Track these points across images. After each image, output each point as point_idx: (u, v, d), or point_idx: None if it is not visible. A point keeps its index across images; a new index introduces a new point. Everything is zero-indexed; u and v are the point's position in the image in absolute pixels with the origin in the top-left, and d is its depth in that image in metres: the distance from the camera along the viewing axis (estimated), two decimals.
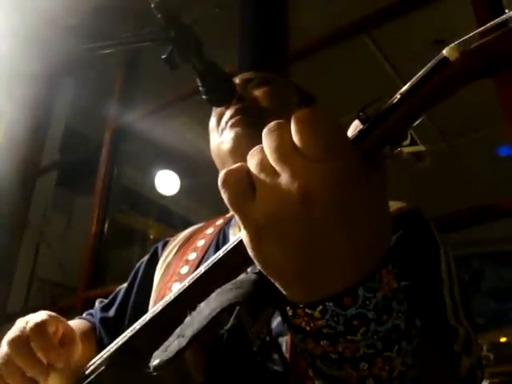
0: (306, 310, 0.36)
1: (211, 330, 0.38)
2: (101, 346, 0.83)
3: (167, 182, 4.36)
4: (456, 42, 0.33)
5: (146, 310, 0.80)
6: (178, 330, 0.39)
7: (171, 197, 4.47)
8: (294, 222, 0.33)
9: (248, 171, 0.36)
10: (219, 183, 0.36)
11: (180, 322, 0.41)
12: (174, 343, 0.38)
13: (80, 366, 0.59)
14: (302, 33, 2.24)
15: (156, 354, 0.39)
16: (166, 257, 0.87)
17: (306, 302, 0.36)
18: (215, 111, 0.89)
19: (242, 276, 0.42)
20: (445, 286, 0.61)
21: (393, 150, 0.36)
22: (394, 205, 0.72)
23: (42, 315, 0.65)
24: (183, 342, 0.38)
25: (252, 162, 0.36)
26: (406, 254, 0.63)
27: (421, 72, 0.34)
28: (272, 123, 0.36)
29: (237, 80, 0.89)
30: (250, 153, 0.37)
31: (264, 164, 0.35)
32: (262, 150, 0.36)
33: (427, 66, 0.34)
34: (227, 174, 0.36)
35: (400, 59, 3.03)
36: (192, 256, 0.81)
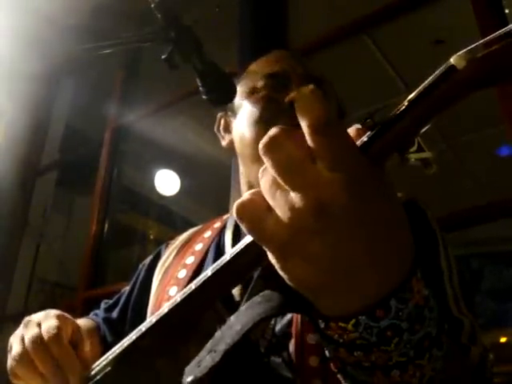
0: (339, 324, 0.35)
1: (243, 344, 0.38)
2: (104, 345, 0.84)
3: (167, 182, 4.36)
4: (464, 51, 0.33)
5: (144, 314, 0.80)
6: (208, 345, 0.39)
7: (171, 197, 4.47)
8: (313, 238, 0.32)
9: (262, 195, 0.35)
10: (235, 215, 0.35)
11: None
12: (206, 358, 0.38)
13: (88, 363, 0.60)
14: (302, 33, 2.23)
15: (188, 369, 0.39)
16: (165, 260, 0.87)
17: (338, 316, 0.35)
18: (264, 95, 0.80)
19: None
20: (445, 276, 0.62)
21: (400, 156, 0.36)
22: None
23: (53, 319, 0.65)
24: (216, 357, 0.37)
25: (265, 181, 0.35)
26: None
27: (428, 79, 0.34)
28: (275, 134, 0.34)
29: (284, 65, 0.82)
30: (262, 169, 0.35)
31: (277, 181, 0.34)
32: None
33: (434, 74, 0.34)
34: (240, 207, 0.35)
35: (400, 59, 3.03)
36: (190, 260, 0.81)
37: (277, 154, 0.33)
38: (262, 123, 0.78)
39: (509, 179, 2.36)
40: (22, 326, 0.67)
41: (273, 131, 0.34)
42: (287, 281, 0.35)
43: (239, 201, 0.35)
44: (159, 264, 0.88)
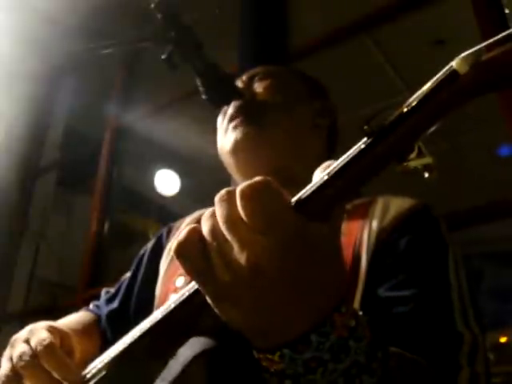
0: (267, 356, 0.39)
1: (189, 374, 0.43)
2: (105, 339, 0.84)
3: (167, 182, 4.36)
4: (465, 53, 0.31)
5: (151, 302, 0.80)
6: (163, 374, 0.44)
7: (171, 197, 4.47)
8: (246, 291, 0.37)
9: (200, 238, 0.39)
10: (175, 254, 0.39)
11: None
12: None
13: (80, 364, 0.60)
14: (302, 33, 2.23)
15: None
16: (171, 248, 0.86)
17: (264, 349, 0.40)
18: (223, 109, 0.88)
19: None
20: (453, 291, 0.61)
21: (400, 164, 0.36)
22: (403, 202, 0.71)
23: (41, 331, 0.64)
24: None
25: (205, 229, 0.39)
26: (415, 258, 0.63)
27: (429, 84, 0.33)
28: (223, 192, 0.39)
29: (244, 77, 0.89)
30: (203, 218, 0.39)
31: (216, 232, 0.38)
32: (214, 216, 0.39)
33: (435, 78, 0.32)
34: (180, 246, 0.39)
35: (400, 59, 3.03)
36: None
37: (221, 209, 0.38)
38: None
39: (509, 179, 2.36)
40: (8, 347, 0.65)
41: (225, 189, 0.39)
42: (223, 320, 0.40)
43: (180, 239, 0.39)
44: (165, 250, 0.87)
